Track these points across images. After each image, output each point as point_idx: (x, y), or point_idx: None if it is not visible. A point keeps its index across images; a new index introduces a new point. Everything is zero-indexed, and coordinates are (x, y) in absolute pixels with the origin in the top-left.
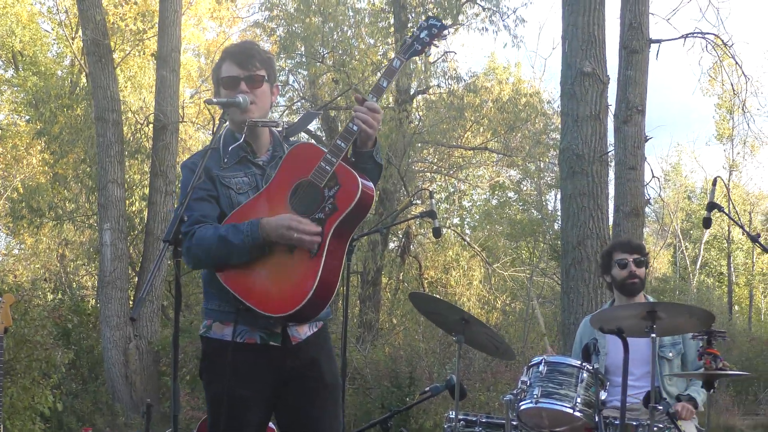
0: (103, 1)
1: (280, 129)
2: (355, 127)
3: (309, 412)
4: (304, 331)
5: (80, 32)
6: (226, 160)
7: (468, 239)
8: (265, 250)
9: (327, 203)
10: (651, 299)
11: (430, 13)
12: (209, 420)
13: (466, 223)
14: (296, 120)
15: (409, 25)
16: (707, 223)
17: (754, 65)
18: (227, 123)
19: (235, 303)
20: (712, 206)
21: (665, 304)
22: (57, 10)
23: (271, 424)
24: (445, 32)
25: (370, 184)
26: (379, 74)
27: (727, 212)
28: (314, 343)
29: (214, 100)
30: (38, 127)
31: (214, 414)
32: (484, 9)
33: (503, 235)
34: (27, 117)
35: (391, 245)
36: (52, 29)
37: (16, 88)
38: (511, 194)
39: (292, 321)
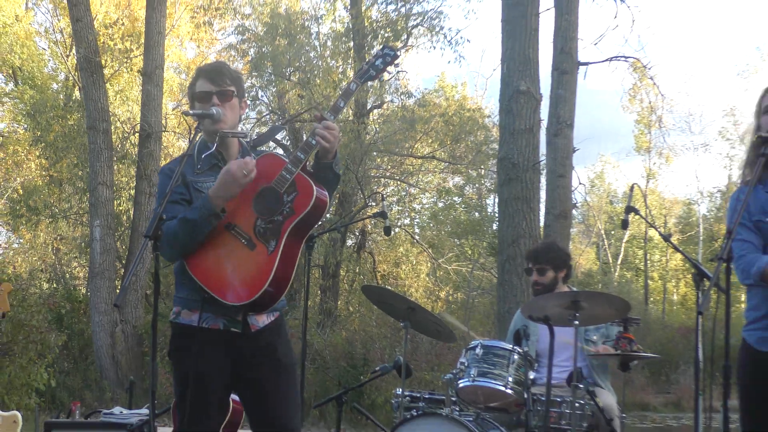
0: (95, 22)
1: (248, 140)
2: (314, 141)
3: (268, 389)
4: (262, 320)
5: (74, 50)
6: (199, 166)
7: (417, 237)
8: (221, 216)
9: (285, 207)
10: (575, 290)
11: (385, 43)
12: (176, 395)
13: (415, 223)
14: (264, 132)
15: (365, 47)
16: (625, 224)
17: (669, 85)
18: (201, 133)
19: (201, 292)
20: (629, 210)
21: (586, 293)
22: (53, 30)
23: (235, 397)
24: (396, 60)
25: (325, 192)
26: (338, 94)
27: (643, 215)
28: (271, 330)
29: (190, 111)
30: (36, 135)
31: (181, 390)
32: (430, 31)
33: (448, 234)
34: (25, 126)
35: (349, 242)
36: (48, 47)
37: (15, 100)
38: (455, 198)
39: (250, 310)
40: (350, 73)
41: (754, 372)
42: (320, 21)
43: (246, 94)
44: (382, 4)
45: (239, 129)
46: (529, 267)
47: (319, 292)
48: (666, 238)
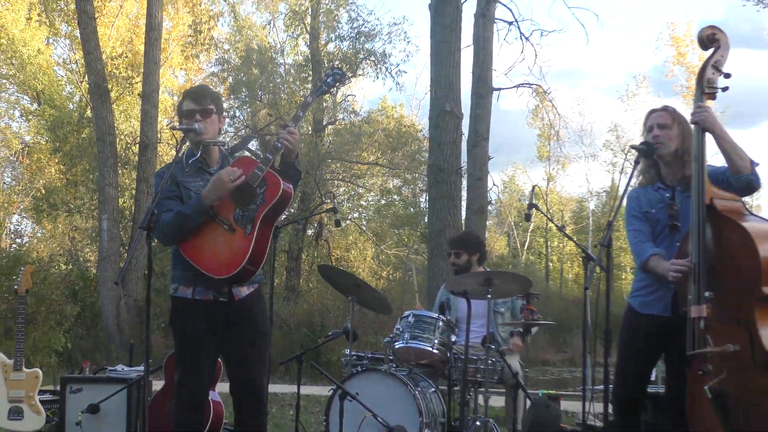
0: (103, 55)
1: (226, 147)
2: (279, 145)
3: (245, 350)
4: (244, 291)
5: (86, 77)
6: (187, 170)
7: (364, 228)
8: (210, 212)
9: (258, 197)
10: (489, 270)
11: (337, 66)
12: (176, 355)
13: (362, 216)
14: (238, 142)
15: (321, 75)
16: (528, 217)
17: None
18: (188, 143)
19: (193, 270)
20: (531, 206)
21: (497, 272)
22: (69, 61)
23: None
24: (344, 79)
25: (290, 185)
26: (297, 107)
27: (543, 210)
28: (251, 300)
29: (178, 126)
30: (55, 145)
31: (179, 351)
32: (375, 64)
33: (389, 225)
34: (47, 138)
35: (309, 232)
36: (65, 75)
37: (38, 117)
38: (394, 196)
39: (232, 282)
40: None
41: (635, 330)
42: (285, 54)
43: (224, 112)
44: (336, 41)
45: (220, 139)
46: (448, 252)
47: (285, 272)
48: (560, 228)
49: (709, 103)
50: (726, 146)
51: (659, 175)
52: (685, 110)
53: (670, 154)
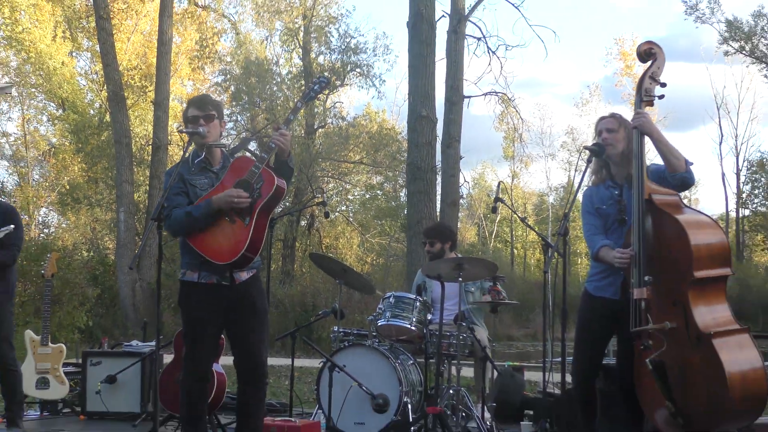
0: (120, 67)
1: (226, 149)
2: (273, 145)
3: (246, 328)
4: (244, 276)
5: (105, 86)
6: (193, 169)
7: (351, 219)
8: (217, 216)
9: (255, 192)
10: (460, 256)
11: (323, 74)
12: (184, 332)
13: (349, 209)
14: (238, 144)
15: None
16: (494, 210)
17: (527, 112)
18: (193, 145)
19: (199, 257)
20: (497, 200)
21: (467, 258)
22: (90, 72)
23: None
24: (329, 86)
25: (283, 181)
26: (289, 111)
27: (507, 204)
28: (250, 284)
29: (184, 130)
30: (78, 146)
31: (186, 328)
32: (361, 75)
33: (373, 217)
34: (71, 140)
35: (302, 223)
36: (87, 84)
37: (63, 122)
38: (378, 191)
39: (233, 267)
40: None
41: (590, 311)
42: (281, 66)
43: (225, 117)
44: (326, 54)
45: (221, 141)
46: (423, 240)
47: (281, 258)
48: (523, 220)
49: (648, 109)
50: (662, 148)
51: (610, 174)
52: (631, 116)
53: (617, 155)
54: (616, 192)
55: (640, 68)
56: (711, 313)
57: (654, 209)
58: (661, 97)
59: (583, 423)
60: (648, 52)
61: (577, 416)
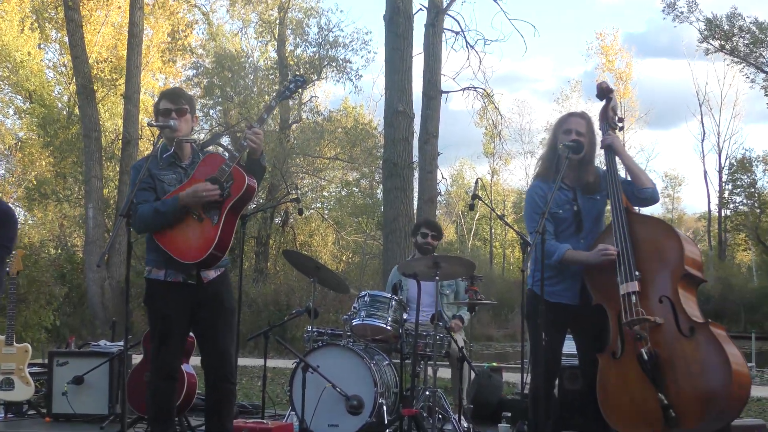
0: (90, 59)
1: (197, 144)
2: (245, 143)
3: (214, 327)
4: (211, 275)
5: (74, 79)
6: (161, 163)
7: (326, 216)
8: (185, 212)
9: (225, 191)
10: (436, 255)
11: (298, 72)
12: (150, 331)
13: (324, 206)
14: (208, 139)
15: (288, 77)
16: (471, 207)
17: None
18: (163, 139)
19: (165, 255)
20: (474, 197)
21: (444, 257)
22: (59, 64)
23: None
24: (305, 85)
25: (254, 180)
26: (263, 109)
27: (485, 201)
28: (218, 282)
29: (155, 123)
30: (45, 140)
31: (153, 327)
32: (337, 69)
33: (348, 214)
34: (38, 134)
35: (277, 219)
36: (55, 77)
37: (30, 115)
38: (354, 188)
39: (201, 266)
40: None
41: (544, 315)
42: (255, 58)
43: (197, 112)
44: (303, 47)
45: (191, 137)
46: (425, 232)
47: (254, 255)
48: (500, 217)
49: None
50: (632, 166)
51: (560, 175)
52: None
53: (578, 159)
54: (571, 196)
55: (622, 62)
56: (693, 310)
57: (633, 215)
58: (622, 128)
59: (546, 424)
60: (608, 90)
61: (542, 417)
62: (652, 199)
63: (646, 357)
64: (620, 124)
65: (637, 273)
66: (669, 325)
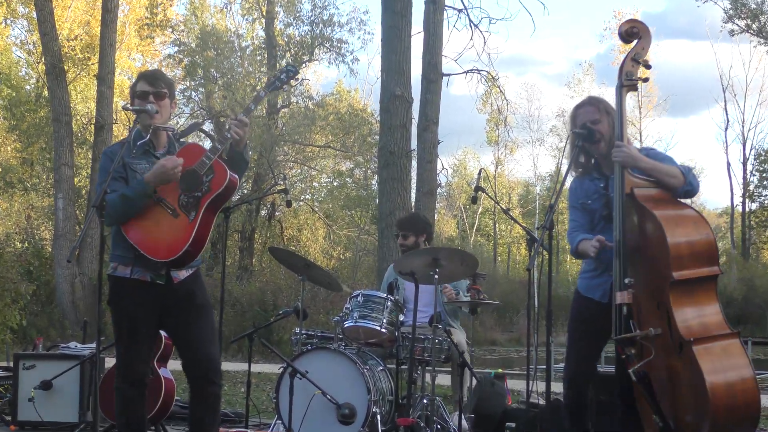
0: (60, 36)
1: (174, 132)
2: (228, 135)
3: (191, 326)
4: (183, 274)
5: (43, 58)
6: (134, 151)
7: (316, 209)
8: (156, 201)
9: (204, 185)
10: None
11: (293, 60)
12: (115, 333)
13: (314, 198)
14: (186, 128)
15: (276, 57)
16: (474, 200)
17: (513, 92)
18: (139, 125)
19: (133, 251)
20: (477, 189)
21: (443, 250)
22: (27, 42)
23: (164, 333)
24: (297, 75)
25: (236, 175)
26: (250, 98)
27: (489, 193)
28: (190, 282)
29: (130, 107)
30: (12, 124)
31: (118, 329)
32: (332, 51)
33: (341, 207)
34: (4, 117)
35: (262, 212)
36: (23, 56)
37: None
38: (347, 178)
39: (172, 266)
40: (264, 79)
41: (580, 312)
42: (242, 37)
43: (176, 96)
44: (294, 26)
45: (169, 124)
46: (396, 233)
47: (238, 251)
48: (506, 211)
49: (632, 94)
50: (654, 173)
51: (595, 166)
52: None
53: (604, 147)
54: (602, 185)
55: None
56: (698, 317)
57: (636, 205)
58: (646, 80)
59: None
60: (630, 32)
61: (563, 428)
62: (687, 194)
63: (634, 378)
64: (640, 78)
65: (627, 280)
66: (665, 337)
